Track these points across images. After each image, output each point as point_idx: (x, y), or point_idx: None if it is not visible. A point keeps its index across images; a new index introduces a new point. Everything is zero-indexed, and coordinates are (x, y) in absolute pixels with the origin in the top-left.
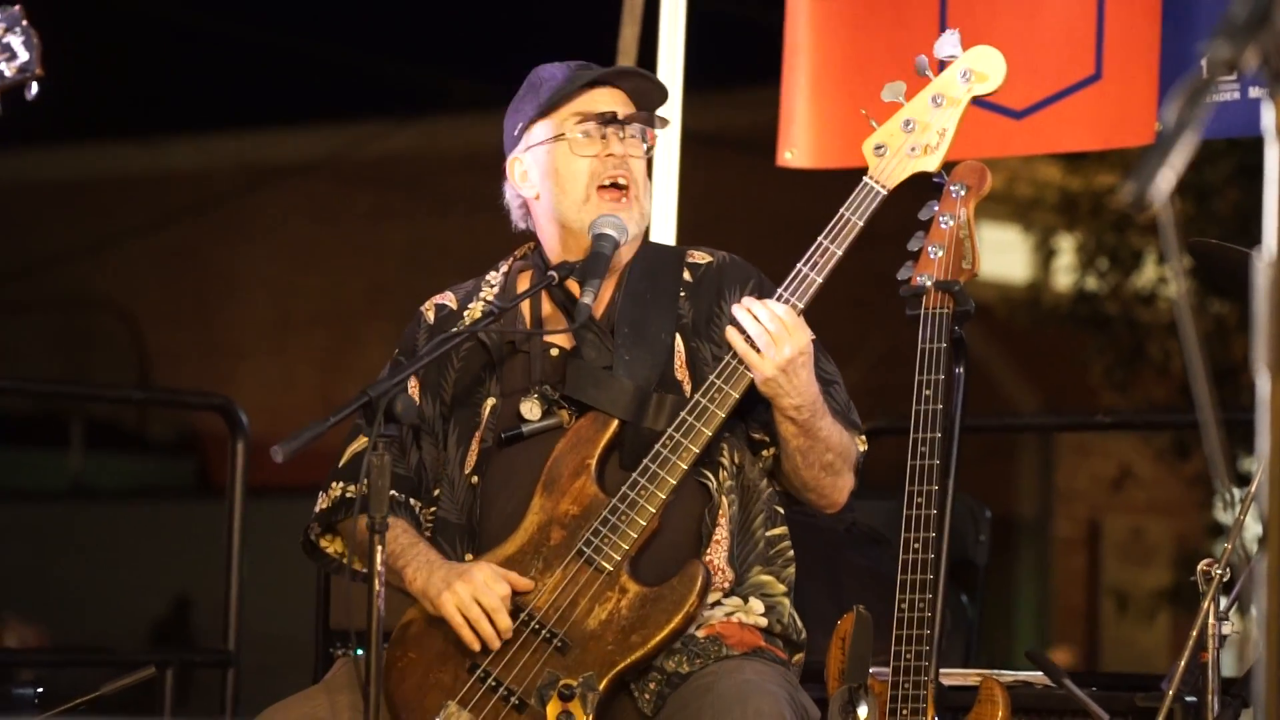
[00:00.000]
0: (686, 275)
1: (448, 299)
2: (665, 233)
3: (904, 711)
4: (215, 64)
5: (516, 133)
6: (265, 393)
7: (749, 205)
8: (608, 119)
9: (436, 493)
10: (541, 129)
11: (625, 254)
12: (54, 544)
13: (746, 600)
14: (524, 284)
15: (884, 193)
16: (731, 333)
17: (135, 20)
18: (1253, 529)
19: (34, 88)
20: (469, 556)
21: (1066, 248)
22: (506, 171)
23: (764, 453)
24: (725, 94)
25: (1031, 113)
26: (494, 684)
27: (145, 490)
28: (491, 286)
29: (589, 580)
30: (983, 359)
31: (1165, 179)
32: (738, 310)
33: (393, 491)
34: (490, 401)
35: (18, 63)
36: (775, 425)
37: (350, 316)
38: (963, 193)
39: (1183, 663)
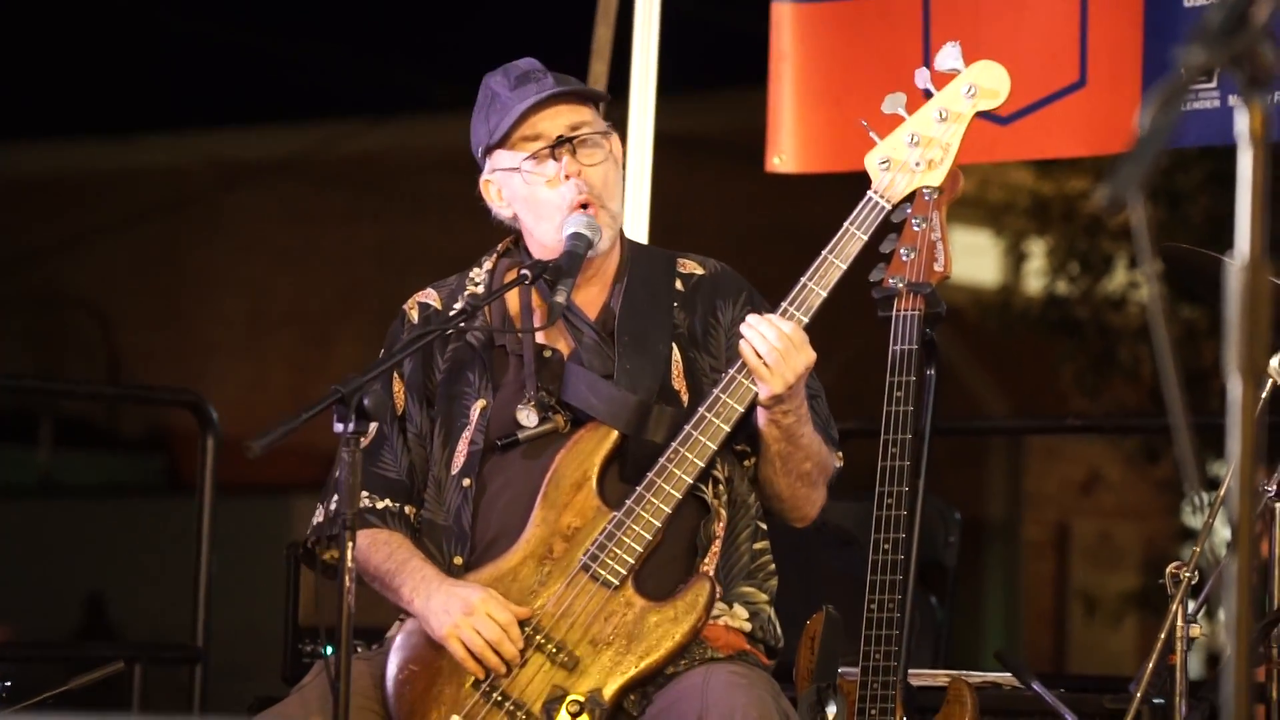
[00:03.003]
0: (679, 285)
1: (431, 296)
2: (638, 235)
3: (872, 711)
4: (188, 61)
5: (480, 154)
6: (236, 391)
7: (722, 208)
8: (556, 143)
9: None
10: (501, 158)
11: (614, 257)
12: (22, 540)
13: (731, 605)
14: (510, 279)
15: (888, 207)
16: (745, 349)
17: (108, 17)
18: (1221, 533)
19: None
20: (458, 560)
21: (1037, 252)
22: (481, 188)
23: (745, 463)
24: (699, 97)
25: (1017, 119)
26: (499, 699)
27: (115, 487)
28: (476, 284)
29: (594, 594)
30: (953, 362)
31: (1138, 182)
32: (746, 328)
33: (387, 501)
34: (480, 403)
35: None
36: (757, 431)
37: (322, 316)
38: (935, 195)
39: (1150, 665)
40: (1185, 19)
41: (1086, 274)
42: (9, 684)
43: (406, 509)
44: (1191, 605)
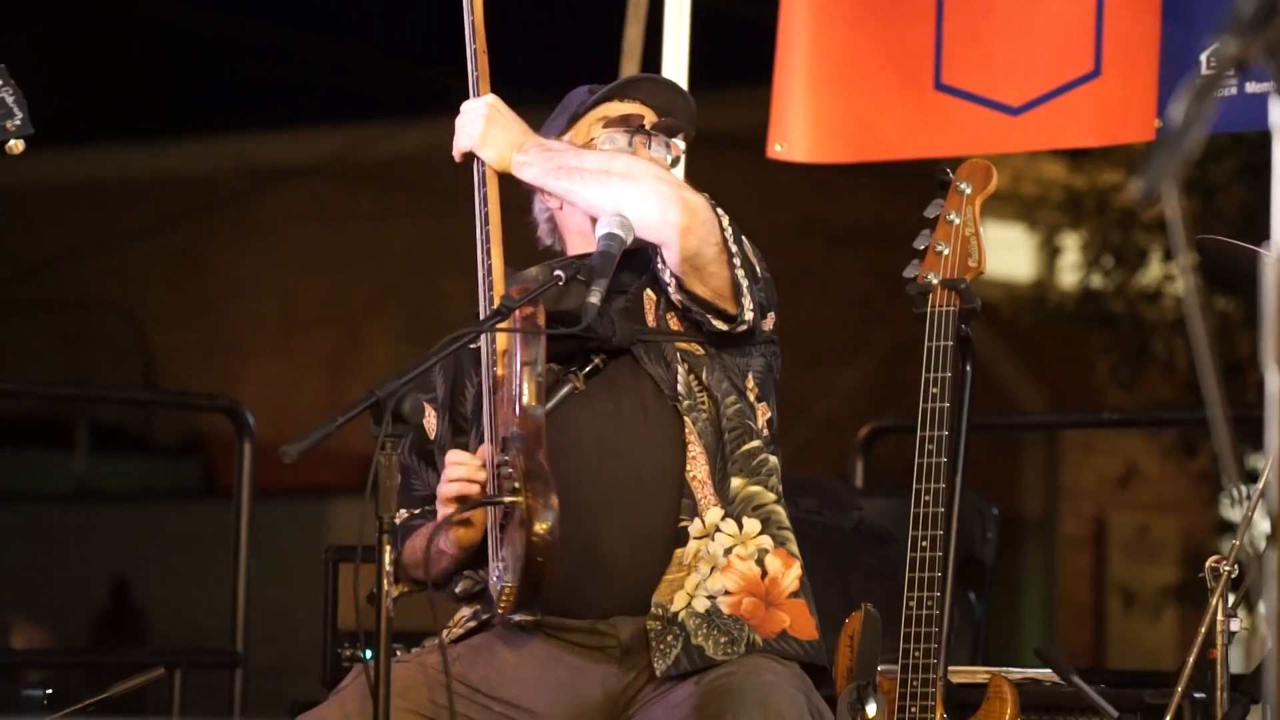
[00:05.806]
0: None
1: None
2: None
3: (913, 709)
4: (219, 65)
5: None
6: (271, 394)
7: (754, 204)
8: (635, 125)
9: None
10: (568, 138)
11: None
12: (60, 546)
13: (740, 524)
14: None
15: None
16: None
17: (138, 21)
18: (1261, 525)
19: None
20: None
21: (1071, 246)
22: None
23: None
24: (730, 93)
25: (1028, 109)
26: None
27: (150, 492)
28: None
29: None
30: (988, 357)
31: (1172, 175)
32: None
33: (424, 508)
34: None
35: (16, 120)
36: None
37: (355, 317)
38: (969, 190)
39: (1191, 659)
40: (1204, 7)
41: (1120, 267)
42: (49, 691)
43: None
44: (1231, 599)
